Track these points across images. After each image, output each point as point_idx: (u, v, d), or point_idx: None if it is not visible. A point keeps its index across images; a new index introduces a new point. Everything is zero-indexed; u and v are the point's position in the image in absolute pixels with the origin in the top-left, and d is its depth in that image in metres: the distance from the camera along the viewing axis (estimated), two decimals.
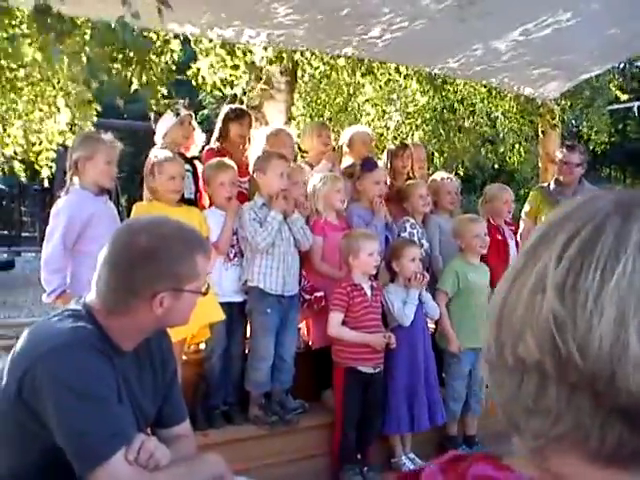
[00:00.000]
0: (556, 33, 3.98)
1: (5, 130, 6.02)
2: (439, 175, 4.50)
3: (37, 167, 6.29)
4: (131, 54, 2.97)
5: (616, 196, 0.52)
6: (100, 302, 1.52)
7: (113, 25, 2.52)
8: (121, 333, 1.53)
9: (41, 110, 5.82)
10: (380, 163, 4.26)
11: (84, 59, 3.68)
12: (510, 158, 7.63)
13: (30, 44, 3.88)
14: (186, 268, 1.53)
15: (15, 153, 6.14)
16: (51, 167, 6.18)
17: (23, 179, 6.39)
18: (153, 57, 3.85)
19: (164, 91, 4.09)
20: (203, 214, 3.43)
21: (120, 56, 3.07)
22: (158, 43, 4.88)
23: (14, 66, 4.85)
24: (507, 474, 0.55)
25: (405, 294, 3.54)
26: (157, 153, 3.33)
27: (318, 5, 3.65)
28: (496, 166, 8.16)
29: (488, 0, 3.44)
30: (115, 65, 3.26)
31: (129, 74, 3.19)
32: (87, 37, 3.72)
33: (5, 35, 2.70)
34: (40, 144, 6.08)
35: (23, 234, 21.58)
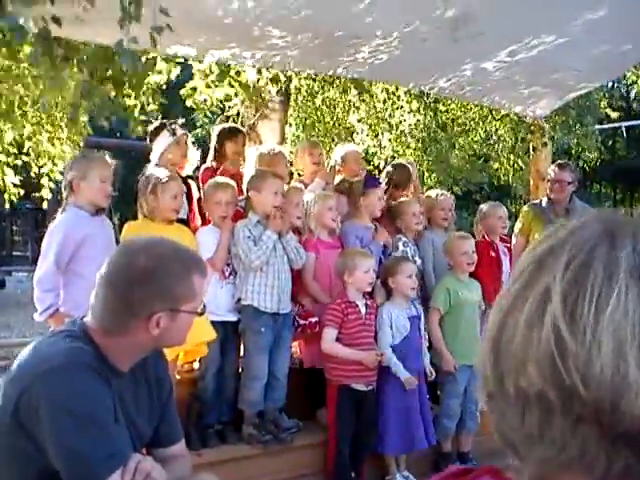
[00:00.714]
0: (543, 54, 4.04)
1: (8, 155, 6.05)
2: (434, 192, 4.54)
3: (11, 195, 6.27)
4: (125, 77, 3.00)
5: (602, 224, 0.52)
6: (97, 322, 1.53)
7: (113, 48, 2.55)
8: (118, 353, 1.54)
9: (48, 132, 5.86)
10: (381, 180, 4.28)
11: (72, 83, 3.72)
12: (504, 175, 7.70)
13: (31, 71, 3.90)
14: (183, 288, 1.55)
15: (15, 174, 6.15)
16: (52, 188, 6.20)
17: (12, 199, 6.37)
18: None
19: (152, 108, 4.12)
20: (195, 233, 3.45)
21: (112, 79, 3.11)
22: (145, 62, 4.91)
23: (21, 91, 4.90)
24: None
25: (400, 315, 3.56)
26: (157, 172, 3.33)
27: (312, 27, 3.70)
28: (489, 183, 8.24)
29: (480, 21, 3.50)
30: (107, 87, 3.29)
31: (122, 97, 3.22)
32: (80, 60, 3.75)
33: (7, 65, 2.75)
34: (44, 166, 6.11)
35: (14, 253, 21.44)
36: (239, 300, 3.39)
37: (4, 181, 6.19)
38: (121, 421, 1.51)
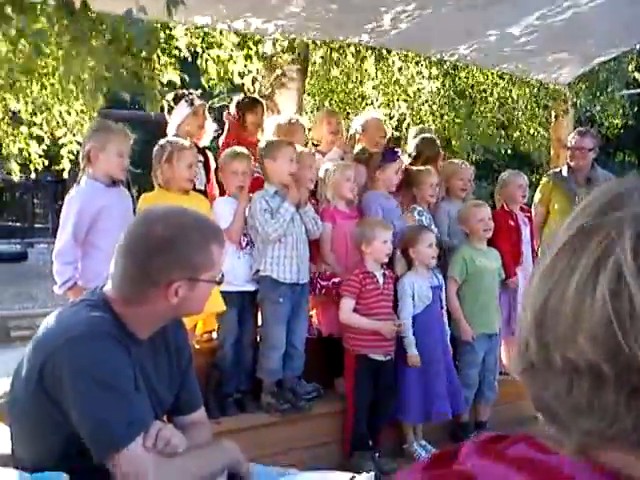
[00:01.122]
0: (574, 17, 3.91)
1: (30, 126, 6.06)
2: (454, 162, 4.48)
3: (36, 164, 6.32)
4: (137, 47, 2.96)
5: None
6: (116, 291, 1.54)
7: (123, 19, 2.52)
8: (137, 322, 1.55)
9: (63, 102, 5.85)
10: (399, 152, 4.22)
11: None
12: (524, 143, 7.56)
13: (52, 41, 3.88)
14: (202, 257, 1.54)
15: (20, 151, 6.18)
16: (72, 160, 6.22)
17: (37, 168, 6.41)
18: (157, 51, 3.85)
19: (175, 79, 4.06)
20: (212, 202, 3.45)
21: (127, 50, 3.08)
22: (162, 35, 4.87)
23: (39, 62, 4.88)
24: (550, 457, 0.52)
25: (423, 285, 3.54)
26: (172, 140, 3.33)
27: None
28: (509, 152, 8.08)
29: None
30: (122, 59, 3.26)
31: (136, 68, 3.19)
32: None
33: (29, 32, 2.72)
34: (65, 136, 6.12)
35: (36, 225, 21.73)
36: (257, 271, 3.39)
37: (29, 152, 6.23)
38: (142, 389, 1.52)
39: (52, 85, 5.54)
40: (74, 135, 6.08)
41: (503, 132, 7.39)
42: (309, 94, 6.76)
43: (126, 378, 1.45)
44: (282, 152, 3.41)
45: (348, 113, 6.71)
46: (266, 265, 3.36)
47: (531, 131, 7.17)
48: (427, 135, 4.67)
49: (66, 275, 2.97)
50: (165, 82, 4.83)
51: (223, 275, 1.65)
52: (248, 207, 3.42)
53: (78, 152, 6.18)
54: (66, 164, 6.27)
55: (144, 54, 3.67)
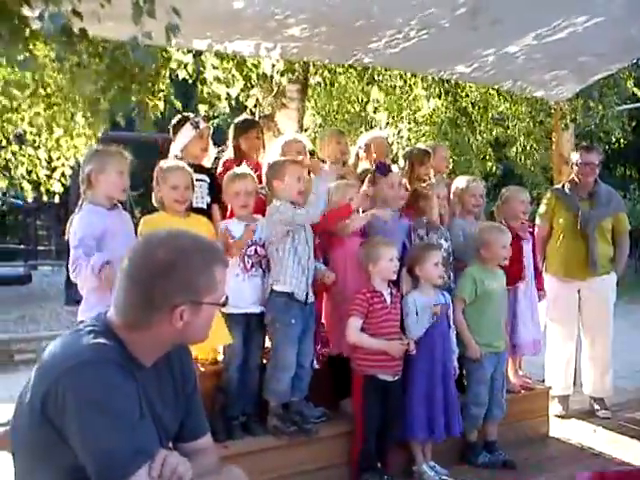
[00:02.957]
0: (571, 36, 3.94)
1: (21, 148, 6.13)
2: (464, 178, 4.48)
3: (47, 186, 6.38)
4: (137, 71, 2.99)
5: None
6: (120, 317, 1.53)
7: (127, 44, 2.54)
8: (142, 348, 1.54)
9: (60, 127, 5.90)
10: (395, 167, 4.22)
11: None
12: (521, 160, 7.57)
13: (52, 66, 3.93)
14: (204, 280, 1.54)
15: (28, 172, 6.25)
16: (64, 184, 6.28)
17: (31, 196, 6.50)
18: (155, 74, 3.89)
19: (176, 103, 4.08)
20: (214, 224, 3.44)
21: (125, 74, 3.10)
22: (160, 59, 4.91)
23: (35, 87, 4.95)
24: None
25: (427, 304, 3.52)
26: (163, 163, 3.34)
27: (331, 18, 3.65)
28: (501, 171, 8.12)
29: (498, 7, 3.43)
30: (121, 84, 3.28)
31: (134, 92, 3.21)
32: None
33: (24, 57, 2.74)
34: (58, 159, 6.17)
35: (39, 248, 21.78)
36: (271, 288, 3.33)
37: (37, 174, 6.30)
38: (147, 416, 1.50)
39: (55, 106, 5.60)
40: (67, 159, 6.14)
41: (497, 151, 7.44)
42: (311, 114, 6.80)
43: (131, 406, 1.44)
44: (289, 170, 3.41)
45: (356, 133, 6.74)
46: (286, 279, 3.30)
47: (527, 148, 7.20)
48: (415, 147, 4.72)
49: (91, 260, 2.85)
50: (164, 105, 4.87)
51: (227, 297, 1.64)
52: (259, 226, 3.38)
53: (70, 176, 6.28)
54: (58, 187, 6.33)
55: (144, 76, 3.70)
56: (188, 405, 1.72)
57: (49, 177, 6.37)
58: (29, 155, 6.23)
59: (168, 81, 5.14)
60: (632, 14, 3.76)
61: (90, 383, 1.39)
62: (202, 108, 5.53)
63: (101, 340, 1.47)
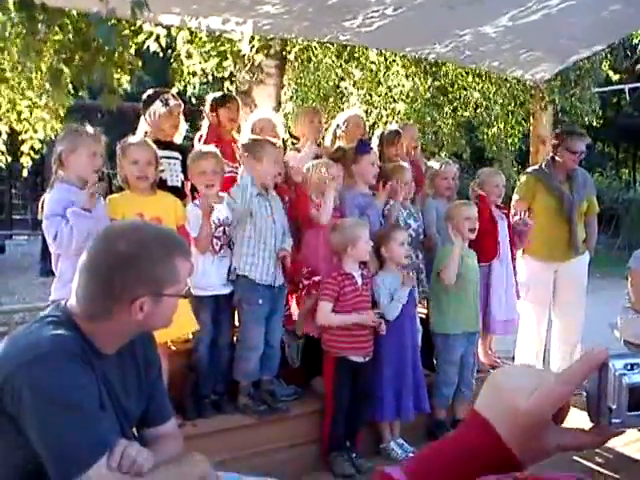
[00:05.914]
0: (545, 18, 3.95)
1: None
2: (437, 160, 4.50)
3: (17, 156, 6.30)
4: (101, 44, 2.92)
5: None
6: (81, 308, 1.52)
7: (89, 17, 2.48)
8: (103, 337, 1.54)
9: (30, 99, 5.78)
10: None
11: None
12: (502, 141, 7.58)
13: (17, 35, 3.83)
14: (166, 272, 1.53)
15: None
16: (34, 158, 6.18)
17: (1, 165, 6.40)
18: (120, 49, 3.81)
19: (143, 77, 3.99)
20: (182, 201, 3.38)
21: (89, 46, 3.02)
22: (126, 32, 4.79)
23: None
24: None
25: (394, 284, 3.55)
26: (124, 139, 3.26)
27: None
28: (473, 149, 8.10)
29: None
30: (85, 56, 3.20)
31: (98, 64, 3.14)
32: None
33: None
34: (26, 132, 6.05)
35: (14, 217, 21.41)
36: (234, 270, 3.34)
37: None
38: (107, 406, 1.51)
39: (17, 78, 5.49)
40: (35, 132, 6.03)
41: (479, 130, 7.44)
42: (289, 90, 6.72)
43: (89, 397, 1.43)
44: (267, 153, 3.37)
45: (330, 109, 6.69)
46: (245, 266, 3.33)
47: (508, 129, 7.21)
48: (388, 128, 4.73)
49: (68, 213, 2.85)
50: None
51: (189, 288, 1.64)
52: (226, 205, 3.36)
53: (39, 150, 6.20)
54: (26, 161, 6.23)
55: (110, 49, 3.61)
56: (152, 390, 1.72)
57: (17, 151, 6.26)
58: None
59: (136, 55, 5.03)
60: None
61: (47, 376, 1.38)
62: (177, 85, 5.45)
63: (60, 331, 1.47)
